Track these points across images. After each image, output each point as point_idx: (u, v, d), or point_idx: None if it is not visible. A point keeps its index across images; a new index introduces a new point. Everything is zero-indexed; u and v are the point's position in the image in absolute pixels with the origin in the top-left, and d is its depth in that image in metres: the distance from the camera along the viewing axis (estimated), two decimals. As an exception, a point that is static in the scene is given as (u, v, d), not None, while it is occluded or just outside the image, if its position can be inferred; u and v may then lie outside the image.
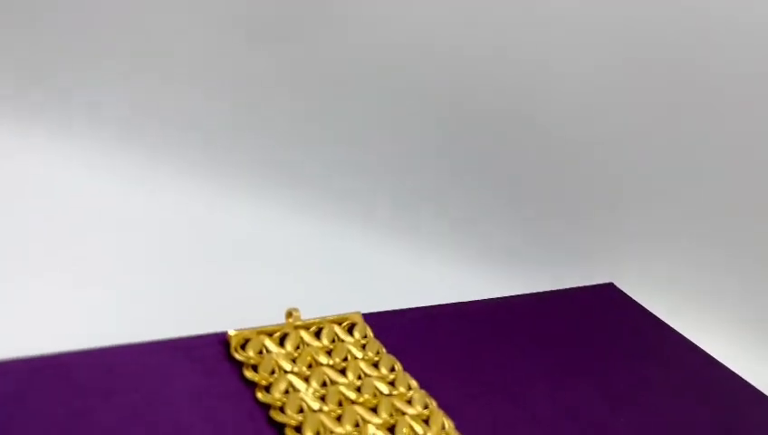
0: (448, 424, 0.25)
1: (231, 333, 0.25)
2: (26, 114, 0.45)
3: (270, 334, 0.26)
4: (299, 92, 0.47)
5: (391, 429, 0.24)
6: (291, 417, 0.23)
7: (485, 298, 0.36)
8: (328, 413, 0.23)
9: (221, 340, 0.26)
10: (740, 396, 0.34)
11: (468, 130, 0.49)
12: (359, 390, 0.25)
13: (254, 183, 0.47)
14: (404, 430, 0.24)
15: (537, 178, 0.49)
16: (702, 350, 0.37)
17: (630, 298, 0.41)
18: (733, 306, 0.48)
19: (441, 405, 0.26)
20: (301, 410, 0.23)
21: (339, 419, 0.23)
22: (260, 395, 0.23)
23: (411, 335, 0.30)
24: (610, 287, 0.42)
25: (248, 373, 0.24)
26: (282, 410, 0.23)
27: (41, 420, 0.20)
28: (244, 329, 0.26)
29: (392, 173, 0.48)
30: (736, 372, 0.36)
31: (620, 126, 0.48)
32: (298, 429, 0.22)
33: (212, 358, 0.25)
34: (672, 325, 0.39)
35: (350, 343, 0.27)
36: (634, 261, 0.48)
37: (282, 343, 0.26)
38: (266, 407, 0.23)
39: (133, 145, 0.46)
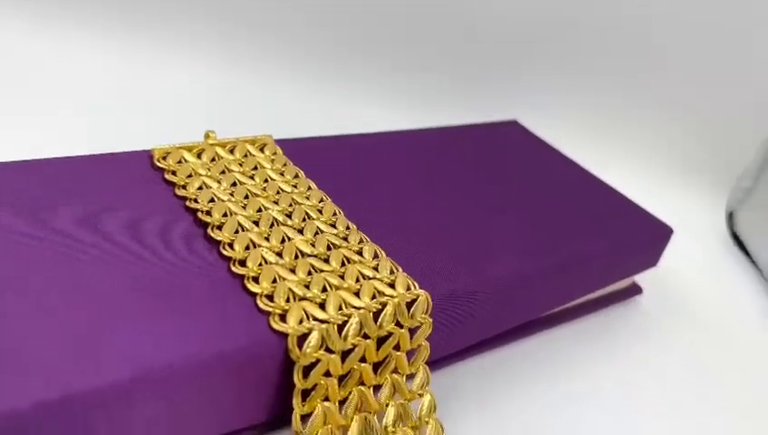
0: (339, 212, 0.30)
1: (154, 147, 0.30)
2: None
3: (189, 150, 0.31)
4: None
5: (289, 214, 0.29)
6: (203, 205, 0.28)
7: (393, 130, 0.40)
8: (235, 202, 0.28)
9: (148, 154, 0.31)
10: (617, 210, 0.39)
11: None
12: (264, 189, 0.30)
13: (192, 37, 0.50)
14: (300, 215, 0.29)
15: (453, 29, 0.52)
16: (583, 168, 0.43)
17: (531, 133, 0.46)
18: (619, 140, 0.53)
19: (336, 202, 0.31)
20: (212, 200, 0.28)
21: (244, 207, 0.28)
22: (177, 191, 0.28)
23: (319, 158, 0.35)
24: (514, 124, 0.47)
25: (168, 176, 0.29)
26: (196, 200, 0.28)
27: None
28: (166, 145, 0.31)
29: (322, 28, 0.51)
30: (618, 189, 0.41)
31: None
32: (209, 213, 0.27)
33: (139, 168, 0.30)
34: (571, 157, 0.44)
35: (260, 158, 0.32)
36: (538, 103, 0.53)
37: (199, 156, 0.31)
38: (183, 199, 0.28)
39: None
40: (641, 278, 0.41)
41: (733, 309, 0.42)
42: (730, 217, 0.50)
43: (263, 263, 0.26)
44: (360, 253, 0.28)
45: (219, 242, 0.26)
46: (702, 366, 0.36)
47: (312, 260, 0.26)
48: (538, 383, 0.32)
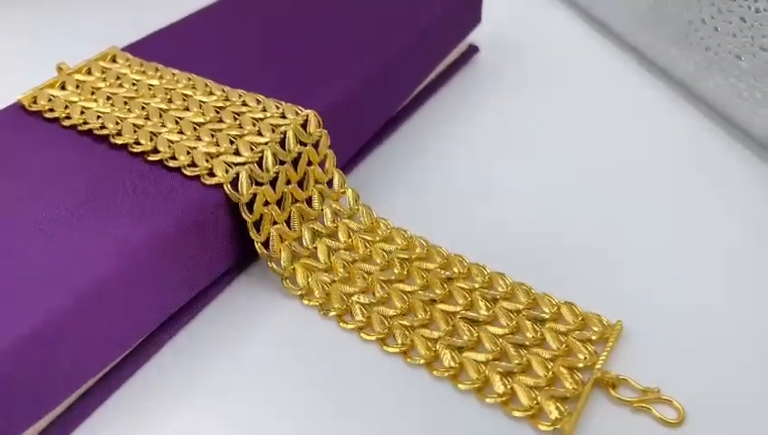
0: (209, 82, 0.33)
1: (19, 97, 0.32)
2: None
3: (52, 86, 0.33)
4: None
5: (170, 100, 0.32)
6: (94, 124, 0.30)
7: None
8: (120, 110, 0.31)
9: (18, 106, 0.32)
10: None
11: None
12: (137, 90, 0.32)
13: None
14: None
15: None
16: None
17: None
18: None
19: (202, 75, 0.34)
20: (99, 117, 0.31)
21: (129, 110, 0.31)
22: (64, 123, 0.31)
23: (165, 47, 0.37)
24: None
25: (48, 115, 0.31)
26: (85, 123, 0.30)
27: None
28: (28, 91, 0.32)
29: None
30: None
31: None
32: (103, 127, 0.30)
33: (16, 120, 0.31)
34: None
35: (117, 68, 0.34)
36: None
37: (63, 88, 0.33)
38: (73, 128, 0.31)
39: None
40: (476, 41, 0.46)
41: (558, 43, 0.49)
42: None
43: (171, 144, 0.29)
44: (245, 104, 0.32)
45: (125, 145, 0.29)
46: (545, 100, 0.43)
47: (209, 126, 0.30)
48: (437, 142, 0.39)
